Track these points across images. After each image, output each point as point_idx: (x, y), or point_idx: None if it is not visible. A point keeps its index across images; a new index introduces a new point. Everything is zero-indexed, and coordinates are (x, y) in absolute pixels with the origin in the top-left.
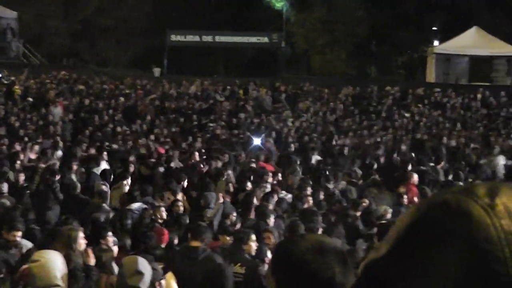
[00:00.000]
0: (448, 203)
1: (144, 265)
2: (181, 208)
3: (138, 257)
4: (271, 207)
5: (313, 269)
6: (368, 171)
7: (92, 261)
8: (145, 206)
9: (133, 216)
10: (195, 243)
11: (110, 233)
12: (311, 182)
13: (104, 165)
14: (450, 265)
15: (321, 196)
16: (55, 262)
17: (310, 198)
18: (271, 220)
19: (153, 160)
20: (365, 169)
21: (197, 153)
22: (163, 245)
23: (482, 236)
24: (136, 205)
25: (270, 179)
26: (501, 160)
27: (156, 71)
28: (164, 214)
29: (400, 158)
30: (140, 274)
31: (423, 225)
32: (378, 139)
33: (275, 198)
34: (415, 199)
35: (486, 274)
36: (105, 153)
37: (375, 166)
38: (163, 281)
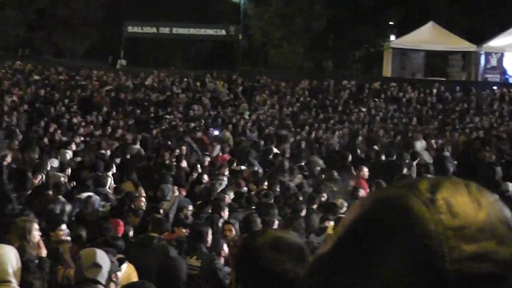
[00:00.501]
0: (390, 199)
1: (102, 257)
2: (143, 199)
3: (96, 249)
4: (227, 200)
5: (267, 265)
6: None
7: (43, 252)
8: (91, 194)
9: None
10: (153, 233)
11: (63, 225)
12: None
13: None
14: (393, 261)
15: (277, 190)
16: (7, 257)
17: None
18: (226, 213)
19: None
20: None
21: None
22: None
23: (421, 231)
24: (84, 195)
25: (226, 172)
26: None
27: (122, 62)
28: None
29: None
30: (98, 266)
31: (366, 221)
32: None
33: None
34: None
35: (426, 269)
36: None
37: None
38: (119, 273)
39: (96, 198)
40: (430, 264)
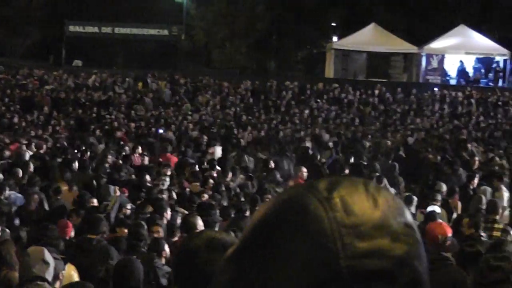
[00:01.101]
0: (290, 198)
1: (49, 255)
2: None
3: (44, 248)
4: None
5: (202, 265)
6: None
7: None
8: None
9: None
10: (90, 235)
11: None
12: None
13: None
14: (294, 259)
15: (223, 189)
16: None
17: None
18: (168, 213)
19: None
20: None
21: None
22: (67, 238)
23: (316, 229)
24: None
25: (169, 172)
26: None
27: (78, 63)
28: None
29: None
30: (46, 263)
31: (268, 221)
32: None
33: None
34: None
35: (322, 266)
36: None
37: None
38: (63, 272)
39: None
40: (325, 261)
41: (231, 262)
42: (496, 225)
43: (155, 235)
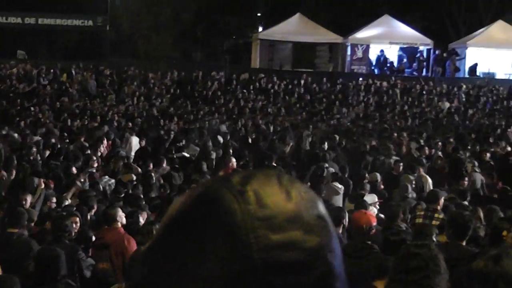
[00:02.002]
0: (205, 192)
1: None
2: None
3: None
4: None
5: None
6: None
7: None
8: None
9: None
10: (11, 229)
11: None
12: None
13: None
14: (209, 253)
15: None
16: None
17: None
18: (95, 206)
19: None
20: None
21: None
22: None
23: (229, 222)
24: None
25: (95, 164)
26: None
27: (20, 54)
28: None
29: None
30: None
31: (183, 215)
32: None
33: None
34: None
35: (235, 258)
36: None
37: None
38: None
39: None
40: (239, 254)
41: (146, 257)
42: (436, 215)
43: (74, 226)
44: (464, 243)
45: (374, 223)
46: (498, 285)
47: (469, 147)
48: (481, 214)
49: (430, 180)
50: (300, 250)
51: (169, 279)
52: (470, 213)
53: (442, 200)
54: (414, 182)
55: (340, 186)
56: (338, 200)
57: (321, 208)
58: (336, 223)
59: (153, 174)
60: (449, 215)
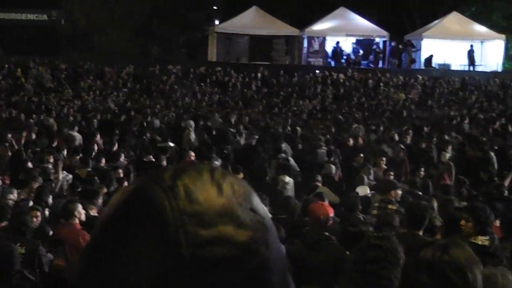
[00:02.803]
0: (136, 189)
1: None
2: None
3: None
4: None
5: None
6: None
7: None
8: None
9: None
10: None
11: None
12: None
13: None
14: (141, 250)
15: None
16: None
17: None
18: (50, 200)
19: None
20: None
21: None
22: None
23: (159, 218)
24: None
25: (51, 159)
26: None
27: None
28: None
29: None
30: None
31: (116, 212)
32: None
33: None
34: None
35: (165, 255)
36: None
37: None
38: None
39: None
40: (168, 250)
41: (83, 257)
42: (390, 206)
43: (34, 220)
44: (421, 233)
45: (331, 214)
46: (446, 274)
47: (434, 139)
48: (435, 204)
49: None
50: (231, 245)
51: (101, 280)
52: (426, 203)
53: (398, 191)
54: (372, 174)
55: (288, 179)
56: (290, 193)
57: (255, 201)
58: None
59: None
60: (406, 206)
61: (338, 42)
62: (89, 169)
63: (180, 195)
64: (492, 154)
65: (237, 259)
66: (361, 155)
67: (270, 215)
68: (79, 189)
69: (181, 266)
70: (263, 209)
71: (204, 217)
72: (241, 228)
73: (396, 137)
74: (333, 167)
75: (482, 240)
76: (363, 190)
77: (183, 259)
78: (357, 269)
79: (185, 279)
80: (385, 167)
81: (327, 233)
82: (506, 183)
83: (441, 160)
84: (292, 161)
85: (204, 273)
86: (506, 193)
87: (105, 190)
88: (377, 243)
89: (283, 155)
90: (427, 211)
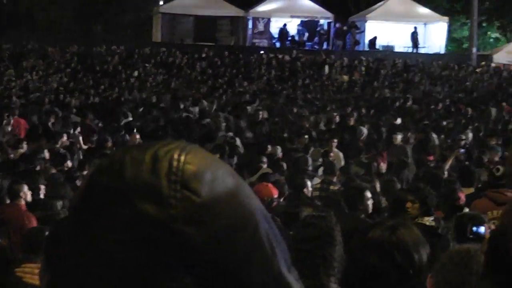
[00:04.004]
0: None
1: None
2: None
3: None
4: None
5: None
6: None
7: None
8: None
9: None
10: None
11: None
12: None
13: None
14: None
15: (46, 156)
16: None
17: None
18: None
19: None
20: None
21: None
22: None
23: (91, 197)
24: None
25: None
26: None
27: None
28: None
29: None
30: None
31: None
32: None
33: None
34: None
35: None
36: None
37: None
38: None
39: None
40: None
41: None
42: (331, 187)
43: None
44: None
45: (276, 196)
46: (393, 254)
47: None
48: (378, 185)
49: (341, 154)
50: (147, 223)
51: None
52: (366, 184)
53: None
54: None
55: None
56: None
57: (202, 182)
58: None
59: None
60: (344, 187)
61: (285, 24)
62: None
63: (113, 173)
64: (434, 135)
65: (153, 237)
66: (306, 136)
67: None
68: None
69: (101, 245)
70: (214, 191)
71: (124, 194)
72: (161, 206)
73: (337, 119)
74: (279, 148)
75: (428, 221)
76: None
77: (97, 239)
78: (293, 248)
79: (107, 258)
80: (336, 149)
81: (271, 213)
82: (447, 165)
83: (392, 143)
84: (238, 141)
85: (123, 252)
86: (446, 174)
87: (53, 170)
88: (313, 221)
89: (230, 133)
90: (364, 192)
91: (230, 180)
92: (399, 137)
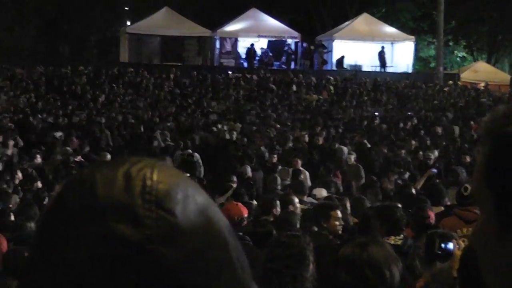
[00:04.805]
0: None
1: None
2: None
3: None
4: None
5: None
6: None
7: None
8: None
9: None
10: None
11: None
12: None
13: None
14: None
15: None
16: None
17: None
18: None
19: None
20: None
21: None
22: None
23: (61, 214)
24: None
25: None
26: None
27: None
28: None
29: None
30: None
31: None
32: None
33: None
34: None
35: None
36: None
37: None
38: None
39: None
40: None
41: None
42: (302, 206)
43: None
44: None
45: (246, 215)
46: (364, 271)
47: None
48: (348, 204)
49: (307, 173)
50: (121, 243)
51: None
52: (336, 203)
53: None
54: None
55: None
56: None
57: (175, 201)
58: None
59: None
60: (314, 205)
61: (252, 44)
62: None
63: (84, 191)
64: (403, 154)
65: (127, 258)
66: (275, 155)
67: (208, 218)
68: None
69: (77, 265)
70: (187, 210)
71: (97, 213)
72: (136, 226)
73: (307, 138)
74: (248, 168)
75: (394, 239)
76: (320, 192)
77: (67, 258)
78: (264, 267)
79: (78, 278)
80: (302, 168)
81: (241, 233)
82: (419, 185)
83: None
84: (197, 156)
85: (95, 272)
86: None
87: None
88: (285, 241)
89: (189, 150)
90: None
91: (201, 199)
92: (352, 157)
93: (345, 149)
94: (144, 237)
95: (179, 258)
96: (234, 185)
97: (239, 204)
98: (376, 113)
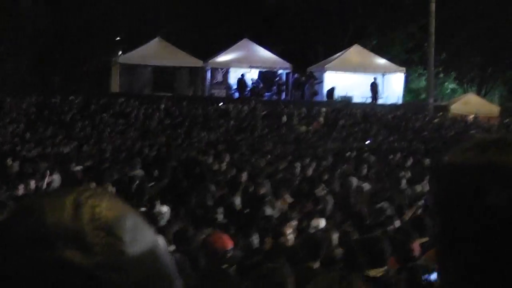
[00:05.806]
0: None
1: None
2: None
3: None
4: None
5: None
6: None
7: None
8: None
9: None
10: None
11: None
12: None
13: None
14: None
15: None
16: None
17: None
18: None
19: None
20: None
21: None
22: None
23: (6, 242)
24: None
25: None
26: None
27: None
28: None
29: None
30: None
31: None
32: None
33: None
34: None
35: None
36: None
37: None
38: None
39: None
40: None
41: None
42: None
43: None
44: (317, 264)
45: (230, 247)
46: None
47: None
48: (335, 236)
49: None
50: (73, 270)
51: None
52: (324, 234)
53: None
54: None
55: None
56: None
57: (124, 228)
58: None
59: None
60: (302, 238)
61: (243, 74)
62: None
63: (31, 218)
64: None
65: (76, 284)
66: (263, 186)
67: (154, 244)
68: None
69: None
70: (135, 239)
71: (45, 240)
72: (87, 253)
73: (298, 169)
74: (238, 198)
75: (376, 271)
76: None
77: (22, 285)
78: None
79: None
80: (289, 200)
81: (226, 265)
82: (407, 217)
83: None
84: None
85: None
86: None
87: None
88: (266, 273)
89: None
90: (323, 242)
91: (147, 230)
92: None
93: (354, 179)
94: (93, 264)
95: (127, 285)
96: (221, 217)
97: (224, 236)
98: (367, 141)
